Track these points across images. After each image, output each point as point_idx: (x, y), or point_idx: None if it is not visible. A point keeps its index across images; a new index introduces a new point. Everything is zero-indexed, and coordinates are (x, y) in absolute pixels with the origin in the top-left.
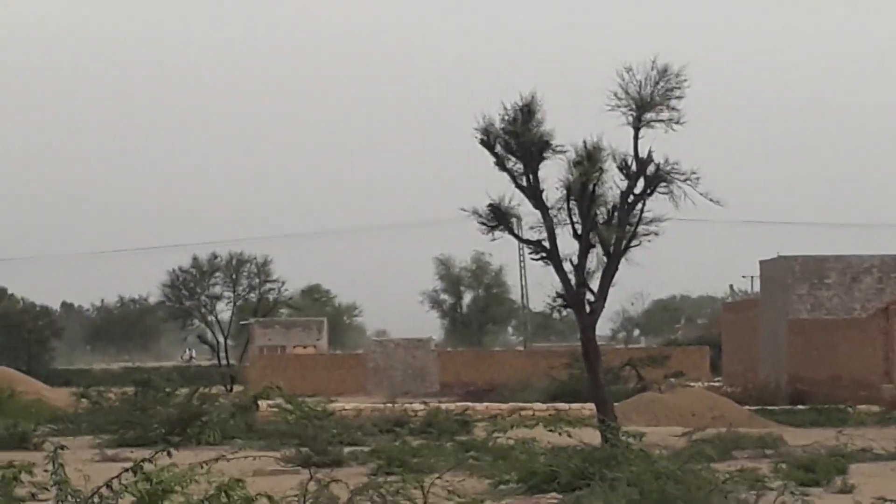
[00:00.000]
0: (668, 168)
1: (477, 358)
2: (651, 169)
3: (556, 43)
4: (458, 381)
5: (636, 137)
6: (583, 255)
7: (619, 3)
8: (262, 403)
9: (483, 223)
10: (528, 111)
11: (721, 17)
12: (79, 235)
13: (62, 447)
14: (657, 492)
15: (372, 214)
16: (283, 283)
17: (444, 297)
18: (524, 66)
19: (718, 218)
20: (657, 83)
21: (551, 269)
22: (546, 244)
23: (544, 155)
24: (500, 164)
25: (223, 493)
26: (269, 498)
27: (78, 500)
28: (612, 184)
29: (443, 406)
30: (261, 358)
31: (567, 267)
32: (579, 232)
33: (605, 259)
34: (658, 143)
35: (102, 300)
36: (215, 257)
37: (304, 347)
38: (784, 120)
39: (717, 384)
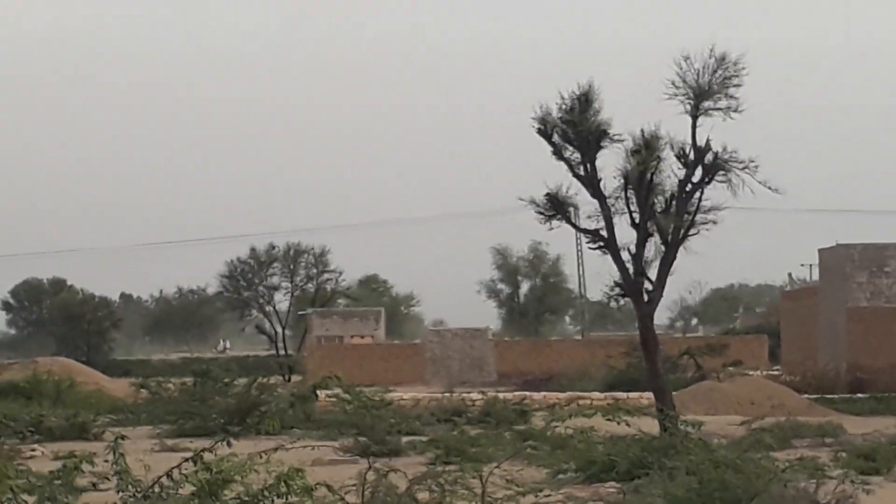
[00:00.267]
0: (727, 156)
1: (534, 347)
2: (709, 157)
3: (613, 31)
4: (516, 371)
5: (694, 126)
6: (641, 244)
7: None
8: (321, 393)
9: (541, 212)
10: (585, 100)
11: (782, 3)
12: (138, 227)
13: (123, 437)
14: (716, 481)
15: (429, 204)
16: (341, 273)
17: (501, 286)
18: (581, 55)
19: (777, 206)
20: (715, 71)
21: (609, 258)
22: (604, 233)
23: (602, 144)
24: (558, 153)
25: (283, 483)
26: (329, 487)
27: (138, 489)
28: (670, 172)
29: (500, 395)
30: (318, 348)
31: (625, 256)
32: (637, 221)
33: (662, 248)
34: (716, 131)
35: (161, 291)
36: (273, 248)
37: (362, 337)
38: (844, 107)
39: (775, 373)
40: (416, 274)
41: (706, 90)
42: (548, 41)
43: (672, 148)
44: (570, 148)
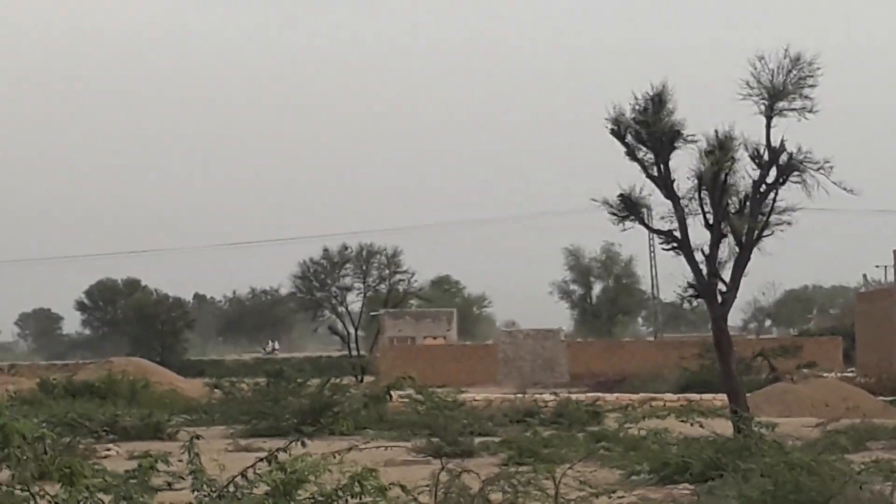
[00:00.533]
0: (801, 157)
1: (607, 348)
2: (783, 158)
3: (687, 32)
4: (588, 372)
5: (768, 126)
6: (714, 244)
7: None
8: (393, 394)
9: (613, 213)
10: (658, 100)
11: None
12: (211, 228)
13: (198, 437)
14: (791, 483)
15: (502, 205)
16: (413, 274)
17: (573, 287)
18: (655, 56)
19: (852, 207)
20: (790, 71)
21: (682, 259)
22: (677, 234)
23: (675, 144)
24: (631, 153)
25: (356, 483)
26: (402, 488)
27: (213, 489)
28: (744, 173)
29: (573, 397)
30: (391, 349)
31: (698, 257)
32: (711, 222)
33: (736, 249)
34: (790, 131)
35: (234, 291)
36: (346, 248)
37: (434, 338)
38: None
39: (850, 374)
40: (489, 275)
41: (781, 90)
42: (621, 42)
43: (746, 148)
44: (644, 148)
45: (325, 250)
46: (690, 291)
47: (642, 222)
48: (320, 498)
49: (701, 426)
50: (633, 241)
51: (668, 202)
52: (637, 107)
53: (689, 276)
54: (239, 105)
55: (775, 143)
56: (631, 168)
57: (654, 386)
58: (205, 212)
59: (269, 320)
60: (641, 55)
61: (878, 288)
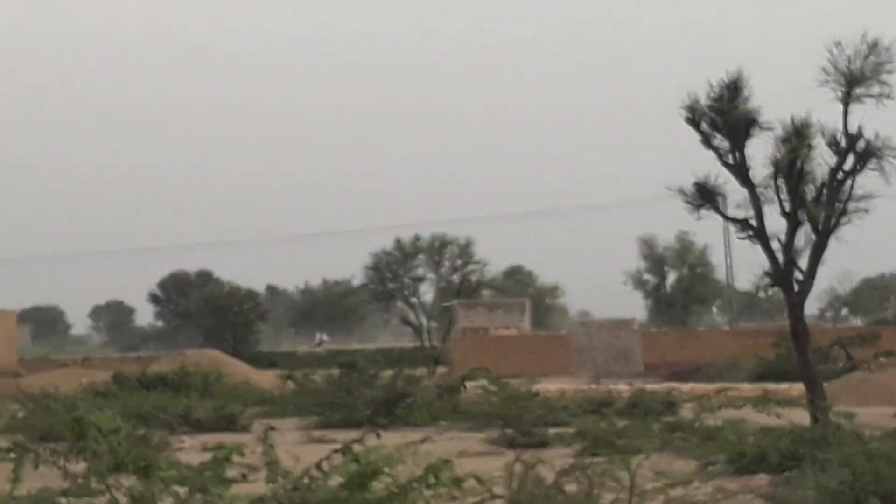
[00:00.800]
0: (879, 143)
1: (681, 338)
2: (861, 145)
3: (762, 18)
4: (662, 362)
5: (845, 113)
6: (791, 233)
7: None
8: (466, 385)
9: (689, 202)
10: (734, 88)
11: None
12: (283, 219)
13: (272, 428)
14: (869, 473)
15: (575, 195)
16: (486, 264)
17: (647, 277)
18: (730, 42)
19: None
20: (867, 57)
21: (758, 247)
22: (753, 222)
23: (751, 132)
24: (706, 141)
25: (431, 474)
26: (477, 479)
27: (288, 480)
28: (821, 160)
29: (647, 387)
30: (463, 339)
31: (775, 245)
32: (787, 210)
33: (813, 237)
34: (868, 118)
35: (306, 283)
36: (418, 239)
37: (507, 329)
38: None
39: None
40: (561, 265)
41: (858, 76)
42: (695, 28)
43: (823, 135)
44: (719, 136)
45: (398, 241)
46: (766, 280)
47: (718, 210)
48: (395, 489)
49: (778, 416)
50: (707, 230)
51: (744, 190)
52: (712, 94)
53: (765, 264)
54: (312, 95)
55: (853, 129)
56: (706, 156)
57: (730, 375)
58: (277, 203)
59: (342, 311)
60: (717, 41)
61: None
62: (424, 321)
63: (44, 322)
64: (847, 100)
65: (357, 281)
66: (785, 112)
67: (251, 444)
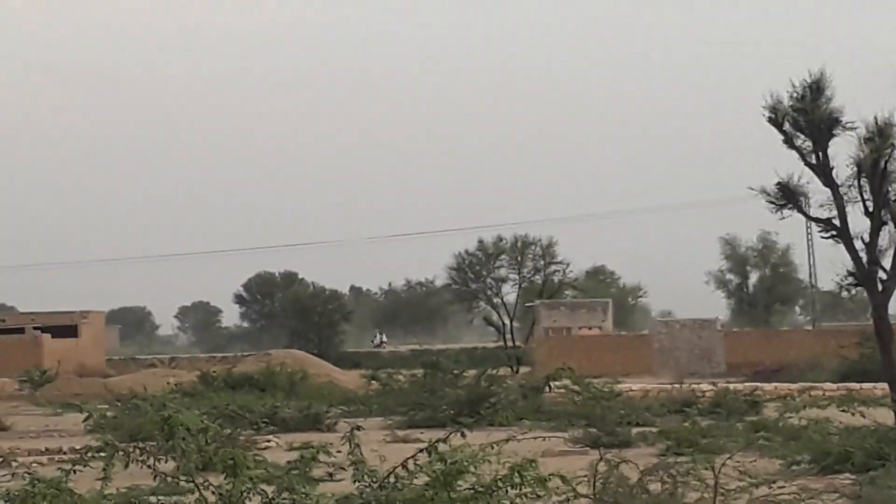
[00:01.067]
0: None
1: (764, 338)
2: None
3: (844, 18)
4: (745, 362)
5: None
6: (874, 232)
7: None
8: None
9: (772, 202)
10: (816, 88)
11: None
12: (367, 220)
13: (358, 428)
14: None
15: (657, 195)
16: (568, 264)
17: (729, 276)
18: (812, 42)
19: None
20: None
21: (841, 247)
22: (836, 222)
23: (834, 132)
24: (789, 141)
25: (516, 474)
26: (562, 478)
27: (374, 479)
28: None
29: (731, 386)
30: (546, 339)
31: (858, 245)
32: (871, 209)
33: None
34: None
35: (390, 283)
36: (501, 240)
37: (590, 328)
38: None
39: None
40: (644, 264)
41: None
42: (778, 28)
43: None
44: (802, 136)
45: (481, 242)
46: (850, 280)
47: (800, 210)
48: (480, 489)
49: (862, 416)
50: (789, 230)
51: (827, 190)
52: (795, 94)
53: (849, 264)
54: (394, 98)
55: None
56: (789, 156)
57: (813, 375)
58: (361, 204)
59: (425, 312)
60: (798, 42)
61: None
62: (507, 321)
63: (131, 323)
64: None
65: (440, 282)
66: (868, 112)
67: (337, 443)
